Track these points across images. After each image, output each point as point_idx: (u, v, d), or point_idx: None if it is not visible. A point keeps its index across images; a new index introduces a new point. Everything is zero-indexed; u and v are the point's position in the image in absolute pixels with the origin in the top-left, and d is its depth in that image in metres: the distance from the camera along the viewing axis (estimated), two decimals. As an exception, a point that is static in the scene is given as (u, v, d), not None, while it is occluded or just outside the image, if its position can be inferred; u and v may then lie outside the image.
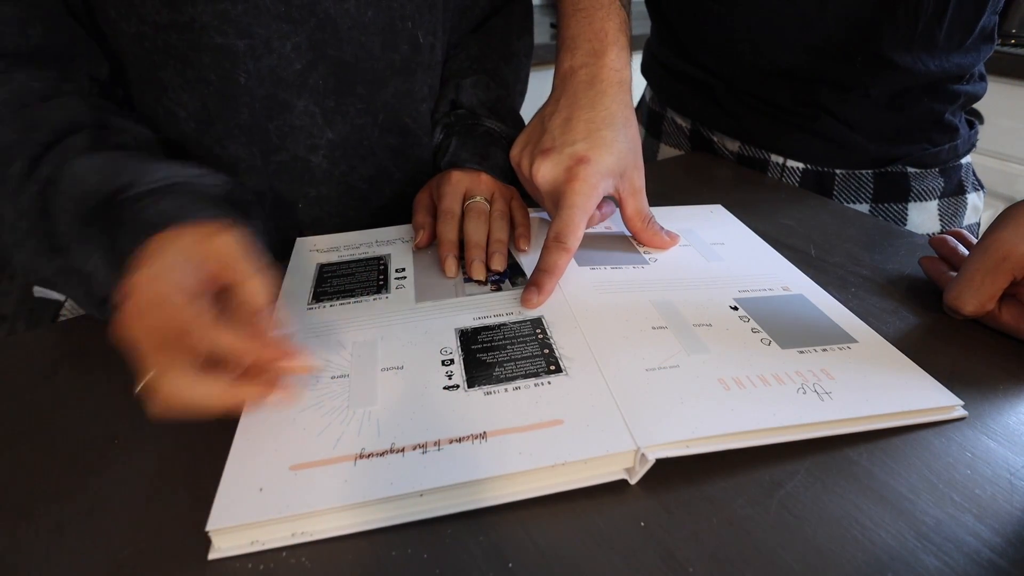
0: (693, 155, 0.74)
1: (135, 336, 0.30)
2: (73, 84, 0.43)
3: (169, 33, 0.44)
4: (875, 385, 0.35)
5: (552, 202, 0.46)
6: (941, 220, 0.65)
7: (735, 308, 0.42)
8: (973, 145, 0.66)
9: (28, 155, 0.37)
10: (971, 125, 0.66)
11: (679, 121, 0.76)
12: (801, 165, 0.66)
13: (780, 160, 0.67)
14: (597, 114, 0.46)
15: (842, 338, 0.39)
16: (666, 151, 0.78)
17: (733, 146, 0.70)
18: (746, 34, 0.62)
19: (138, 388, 0.29)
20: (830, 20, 0.56)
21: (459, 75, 0.63)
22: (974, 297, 0.40)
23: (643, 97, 0.84)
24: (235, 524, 0.27)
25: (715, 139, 0.72)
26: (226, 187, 0.40)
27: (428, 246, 0.50)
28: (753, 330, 0.39)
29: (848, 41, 0.57)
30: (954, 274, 0.42)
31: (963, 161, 0.66)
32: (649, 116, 0.80)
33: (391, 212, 0.58)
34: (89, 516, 0.29)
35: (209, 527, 0.27)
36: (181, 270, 0.31)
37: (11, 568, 0.27)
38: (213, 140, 0.49)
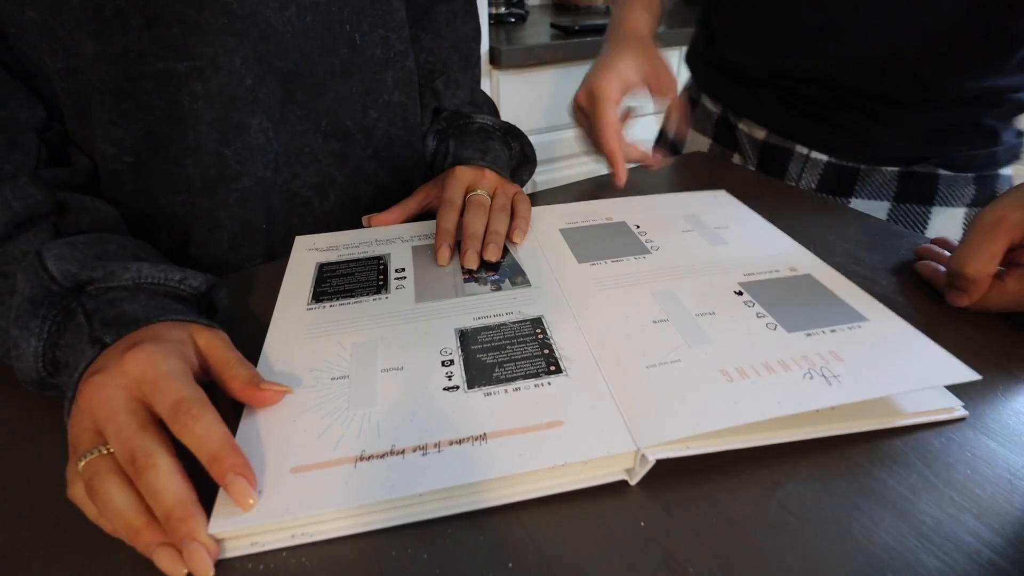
0: (694, 155, 0.74)
1: (97, 414, 0.28)
2: (21, 152, 0.41)
3: (97, 66, 0.41)
4: (886, 365, 0.34)
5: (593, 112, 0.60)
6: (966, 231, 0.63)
7: (740, 293, 0.41)
8: (1016, 156, 0.62)
9: None
10: (1021, 134, 0.62)
11: (709, 106, 0.76)
12: (825, 158, 0.65)
13: (804, 151, 0.66)
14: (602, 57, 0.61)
15: (852, 317, 0.38)
16: (692, 136, 0.79)
17: (760, 134, 0.70)
18: (800, 42, 0.61)
19: (81, 463, 0.28)
20: (898, 45, 0.55)
21: (424, 79, 0.62)
22: (974, 258, 0.40)
23: (685, 86, 0.84)
24: (236, 529, 0.27)
25: (741, 126, 0.72)
26: (199, 288, 0.38)
27: (401, 219, 0.55)
28: (758, 315, 0.39)
29: (913, 63, 0.55)
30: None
31: (1002, 172, 0.62)
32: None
33: (337, 219, 0.56)
34: (89, 516, 0.29)
35: (210, 532, 0.27)
36: (178, 356, 0.31)
37: (11, 568, 0.27)
38: (161, 168, 0.46)
